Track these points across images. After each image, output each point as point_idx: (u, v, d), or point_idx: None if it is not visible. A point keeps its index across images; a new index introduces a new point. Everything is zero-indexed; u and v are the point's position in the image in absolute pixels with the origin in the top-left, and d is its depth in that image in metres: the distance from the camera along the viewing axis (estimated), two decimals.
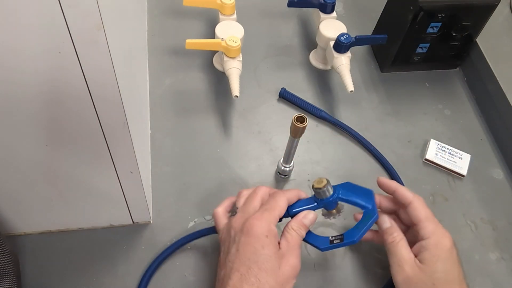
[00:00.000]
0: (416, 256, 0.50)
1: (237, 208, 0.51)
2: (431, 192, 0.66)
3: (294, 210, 0.51)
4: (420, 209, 0.51)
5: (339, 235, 0.50)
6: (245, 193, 0.53)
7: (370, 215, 0.51)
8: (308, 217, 0.50)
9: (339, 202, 0.52)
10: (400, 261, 0.49)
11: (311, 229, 0.51)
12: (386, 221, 0.53)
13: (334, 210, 0.52)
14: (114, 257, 0.56)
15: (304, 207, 0.51)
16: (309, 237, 0.51)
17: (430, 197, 0.65)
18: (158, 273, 0.55)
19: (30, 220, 0.55)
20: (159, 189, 0.62)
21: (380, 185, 0.55)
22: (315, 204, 0.51)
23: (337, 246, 0.50)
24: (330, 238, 0.51)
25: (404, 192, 0.52)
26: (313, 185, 0.50)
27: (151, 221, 0.59)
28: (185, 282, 0.55)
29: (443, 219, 0.64)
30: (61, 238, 0.57)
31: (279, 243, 0.47)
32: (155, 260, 0.55)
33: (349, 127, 0.70)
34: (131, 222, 0.58)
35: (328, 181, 0.50)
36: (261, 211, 0.48)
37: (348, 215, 0.60)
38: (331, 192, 0.50)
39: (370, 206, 0.52)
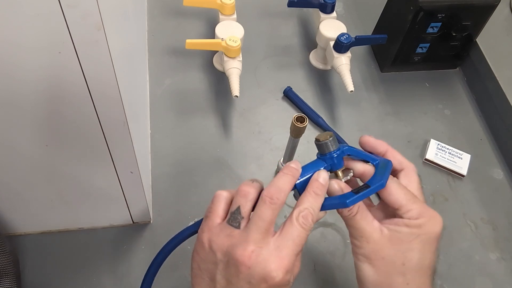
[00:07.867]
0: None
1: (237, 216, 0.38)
2: (431, 192, 0.66)
3: (300, 181, 0.41)
4: (412, 180, 0.42)
5: (363, 185, 0.42)
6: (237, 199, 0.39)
7: (384, 163, 0.43)
8: (320, 183, 0.40)
9: (345, 163, 0.44)
10: (363, 233, 0.39)
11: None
12: (336, 188, 0.42)
13: (340, 172, 0.44)
14: (114, 257, 0.56)
15: (310, 173, 0.41)
16: (326, 203, 0.41)
17: (430, 197, 0.65)
18: (158, 273, 0.55)
19: (30, 220, 0.55)
20: (159, 189, 0.62)
21: (365, 145, 0.44)
22: (324, 164, 0.42)
23: (365, 194, 0.40)
24: (352, 191, 0.41)
25: (396, 155, 0.43)
26: (316, 139, 0.42)
27: (151, 221, 0.59)
28: (185, 282, 0.55)
29: (443, 219, 0.64)
30: (61, 238, 0.57)
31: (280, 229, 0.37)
32: (154, 261, 0.49)
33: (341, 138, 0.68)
34: (131, 222, 0.58)
35: (333, 135, 0.42)
36: (275, 245, 0.36)
37: None
38: (337, 146, 0.43)
39: (378, 160, 0.44)
